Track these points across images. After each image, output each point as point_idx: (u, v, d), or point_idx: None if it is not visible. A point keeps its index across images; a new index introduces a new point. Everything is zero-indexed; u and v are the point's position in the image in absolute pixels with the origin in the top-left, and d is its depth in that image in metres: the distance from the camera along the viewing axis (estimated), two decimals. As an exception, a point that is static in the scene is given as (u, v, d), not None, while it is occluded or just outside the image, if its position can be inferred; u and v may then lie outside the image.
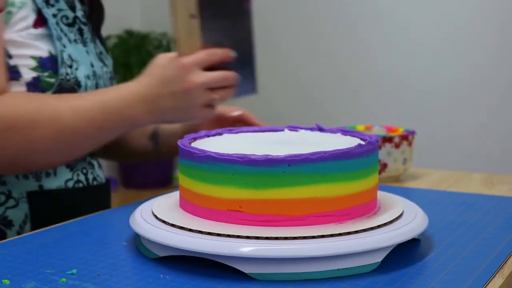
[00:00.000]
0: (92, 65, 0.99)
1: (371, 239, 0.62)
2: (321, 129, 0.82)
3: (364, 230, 0.64)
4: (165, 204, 0.75)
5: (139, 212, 0.73)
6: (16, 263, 0.67)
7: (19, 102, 0.86)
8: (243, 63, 0.94)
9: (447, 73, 2.84)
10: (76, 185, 0.97)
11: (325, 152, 0.65)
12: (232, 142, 0.76)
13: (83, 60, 0.97)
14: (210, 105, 0.91)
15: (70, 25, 0.97)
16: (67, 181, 0.96)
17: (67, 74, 0.92)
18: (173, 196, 0.79)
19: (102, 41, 1.11)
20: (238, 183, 0.65)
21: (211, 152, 0.66)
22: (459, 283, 0.59)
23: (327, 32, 3.08)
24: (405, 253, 0.68)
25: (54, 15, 0.94)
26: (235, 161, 0.64)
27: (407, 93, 2.94)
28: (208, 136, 0.80)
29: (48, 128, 0.86)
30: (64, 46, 0.93)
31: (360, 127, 1.19)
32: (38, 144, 0.86)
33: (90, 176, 1.00)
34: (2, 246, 0.73)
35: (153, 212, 0.71)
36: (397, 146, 1.08)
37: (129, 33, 3.35)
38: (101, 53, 1.07)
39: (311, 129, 0.83)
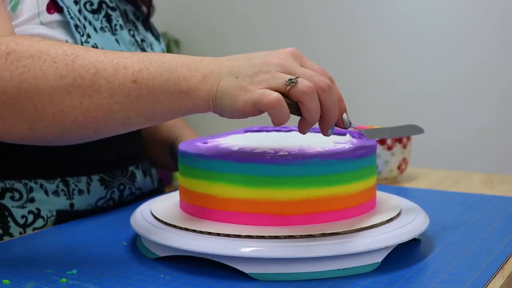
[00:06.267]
0: None
1: (371, 239, 0.62)
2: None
3: (364, 229, 0.64)
4: (165, 204, 0.75)
5: (139, 212, 0.73)
6: (16, 263, 0.67)
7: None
8: None
9: (447, 74, 2.84)
10: (106, 204, 0.91)
11: (325, 153, 0.65)
12: (236, 142, 0.76)
13: (111, 49, 0.81)
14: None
15: (95, 11, 0.88)
16: (98, 199, 0.90)
17: None
18: (173, 196, 0.79)
19: (147, 26, 1.03)
20: (237, 182, 0.65)
21: (209, 151, 0.66)
22: (459, 283, 0.59)
23: (327, 31, 3.09)
24: (405, 253, 0.68)
25: (76, 2, 0.85)
26: (233, 160, 0.64)
27: (407, 94, 2.94)
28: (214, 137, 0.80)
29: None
30: (89, 36, 0.84)
31: (360, 127, 1.19)
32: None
33: (126, 192, 0.94)
34: (2, 246, 0.73)
35: (153, 213, 0.71)
36: (389, 148, 1.07)
37: (129, 33, 3.35)
38: (142, 40, 0.99)
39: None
